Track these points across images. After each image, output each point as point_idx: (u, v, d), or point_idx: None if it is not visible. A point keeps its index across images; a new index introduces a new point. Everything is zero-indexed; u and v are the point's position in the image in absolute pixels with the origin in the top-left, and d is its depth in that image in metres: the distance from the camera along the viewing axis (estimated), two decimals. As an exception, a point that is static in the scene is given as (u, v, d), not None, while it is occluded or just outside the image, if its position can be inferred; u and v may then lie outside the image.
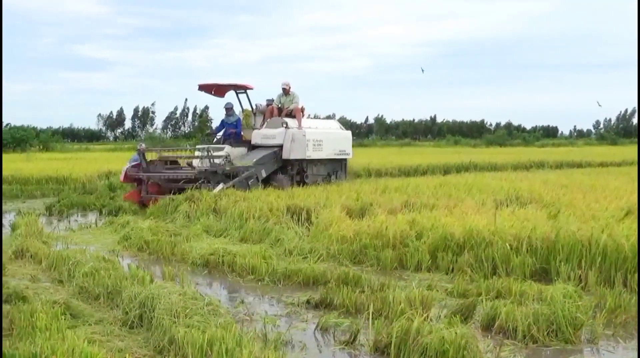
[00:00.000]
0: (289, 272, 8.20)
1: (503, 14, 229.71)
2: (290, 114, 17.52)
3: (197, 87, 18.22)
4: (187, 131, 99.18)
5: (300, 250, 9.39)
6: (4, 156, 32.69)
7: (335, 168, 18.82)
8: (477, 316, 6.28)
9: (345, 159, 19.28)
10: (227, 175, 15.04)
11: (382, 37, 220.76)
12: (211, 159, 15.20)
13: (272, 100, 18.19)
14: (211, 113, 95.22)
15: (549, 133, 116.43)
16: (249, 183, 15.20)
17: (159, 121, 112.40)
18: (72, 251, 9.54)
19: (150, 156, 16.62)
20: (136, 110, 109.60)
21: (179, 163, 17.09)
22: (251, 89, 18.39)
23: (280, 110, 17.74)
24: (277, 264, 8.55)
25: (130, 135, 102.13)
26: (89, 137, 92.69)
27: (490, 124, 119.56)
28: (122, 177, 16.46)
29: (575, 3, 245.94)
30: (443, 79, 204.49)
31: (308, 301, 7.00)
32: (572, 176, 19.55)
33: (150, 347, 5.41)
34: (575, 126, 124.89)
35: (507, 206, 11.21)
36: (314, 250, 9.33)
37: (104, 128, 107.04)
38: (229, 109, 17.90)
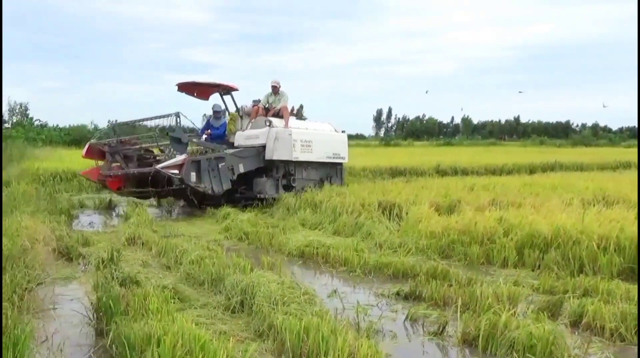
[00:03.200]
0: (379, 265, 8.17)
1: (589, 17, 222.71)
2: (278, 114, 15.51)
3: (177, 87, 16.25)
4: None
5: (390, 244, 9.35)
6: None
7: (329, 173, 16.28)
8: (564, 313, 6.09)
9: (340, 164, 16.66)
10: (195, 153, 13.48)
11: (469, 41, 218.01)
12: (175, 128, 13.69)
13: (259, 101, 16.19)
14: (305, 112, 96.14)
15: (635, 134, 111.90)
16: (219, 166, 13.59)
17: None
18: (178, 239, 9.83)
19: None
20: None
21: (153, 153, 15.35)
22: (236, 90, 16.55)
23: (267, 110, 15.73)
24: (368, 257, 8.53)
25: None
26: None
27: (577, 125, 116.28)
28: (84, 152, 15.03)
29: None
30: (528, 81, 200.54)
31: (398, 293, 6.95)
32: (660, 177, 18.68)
33: (251, 330, 5.49)
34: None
35: (594, 205, 10.81)
36: (403, 244, 9.26)
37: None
38: (217, 112, 16.11)
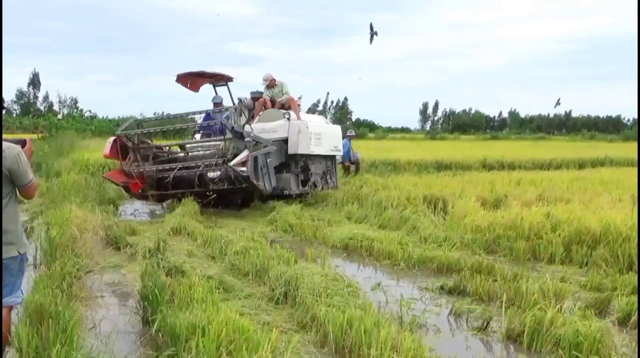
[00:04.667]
0: (423, 258, 8.12)
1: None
2: (283, 107, 14.63)
3: (175, 78, 15.19)
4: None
5: (435, 238, 9.29)
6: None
7: (328, 166, 15.64)
8: (612, 310, 5.98)
9: (335, 157, 15.99)
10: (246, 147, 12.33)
11: (520, 34, 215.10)
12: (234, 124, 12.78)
13: (259, 92, 15.29)
14: (351, 105, 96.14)
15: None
16: (267, 162, 12.84)
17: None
18: (223, 230, 9.91)
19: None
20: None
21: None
22: (231, 80, 15.63)
23: (272, 102, 14.84)
24: (413, 250, 8.48)
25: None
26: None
27: (628, 120, 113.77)
28: (107, 151, 13.35)
29: None
30: (579, 74, 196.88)
31: (442, 287, 6.91)
32: None
33: (294, 322, 5.53)
34: None
35: (646, 202, 10.58)
36: (448, 238, 9.20)
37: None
38: (217, 104, 14.96)
